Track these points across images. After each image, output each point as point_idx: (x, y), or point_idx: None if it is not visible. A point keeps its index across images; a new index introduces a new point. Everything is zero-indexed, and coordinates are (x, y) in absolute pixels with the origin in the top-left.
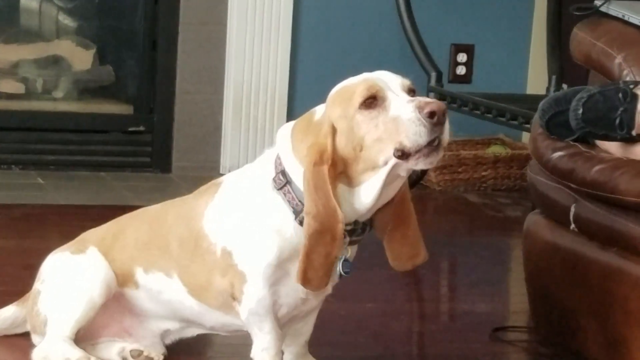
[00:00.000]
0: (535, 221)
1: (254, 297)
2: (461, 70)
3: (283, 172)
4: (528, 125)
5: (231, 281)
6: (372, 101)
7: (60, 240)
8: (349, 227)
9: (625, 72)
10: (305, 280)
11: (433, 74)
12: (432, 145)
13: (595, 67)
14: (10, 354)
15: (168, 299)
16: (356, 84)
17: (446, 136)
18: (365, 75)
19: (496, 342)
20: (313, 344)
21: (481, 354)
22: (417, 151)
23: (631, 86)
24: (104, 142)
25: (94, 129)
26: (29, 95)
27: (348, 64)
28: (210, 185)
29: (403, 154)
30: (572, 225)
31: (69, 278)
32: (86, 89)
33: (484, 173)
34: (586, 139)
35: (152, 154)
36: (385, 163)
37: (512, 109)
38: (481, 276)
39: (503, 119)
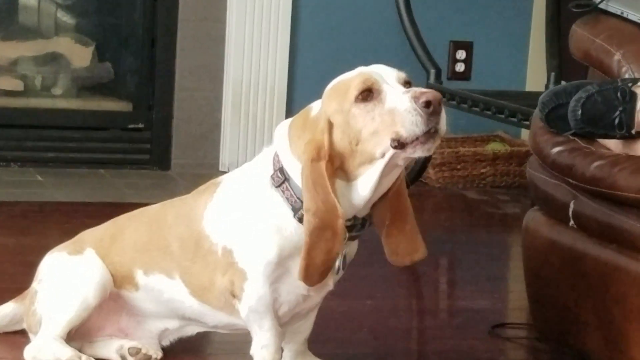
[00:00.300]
0: (534, 218)
1: (254, 294)
2: (460, 67)
3: (281, 170)
4: (527, 122)
5: (231, 279)
6: (368, 94)
7: (60, 237)
8: (348, 223)
9: (624, 68)
10: (307, 276)
11: (432, 71)
12: (429, 132)
13: (594, 64)
14: (8, 351)
15: (169, 299)
16: (351, 78)
17: (443, 125)
18: (360, 69)
19: (495, 338)
20: (312, 341)
21: (480, 350)
22: (414, 140)
23: (630, 84)
24: (103, 139)
25: (93, 126)
26: (27, 92)
27: (347, 61)
28: (209, 184)
29: (399, 144)
30: (572, 222)
31: (65, 279)
32: (85, 86)
33: (483, 170)
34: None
35: (151, 151)
36: (383, 155)
37: (511, 106)
38: (480, 273)
39: (502, 116)
